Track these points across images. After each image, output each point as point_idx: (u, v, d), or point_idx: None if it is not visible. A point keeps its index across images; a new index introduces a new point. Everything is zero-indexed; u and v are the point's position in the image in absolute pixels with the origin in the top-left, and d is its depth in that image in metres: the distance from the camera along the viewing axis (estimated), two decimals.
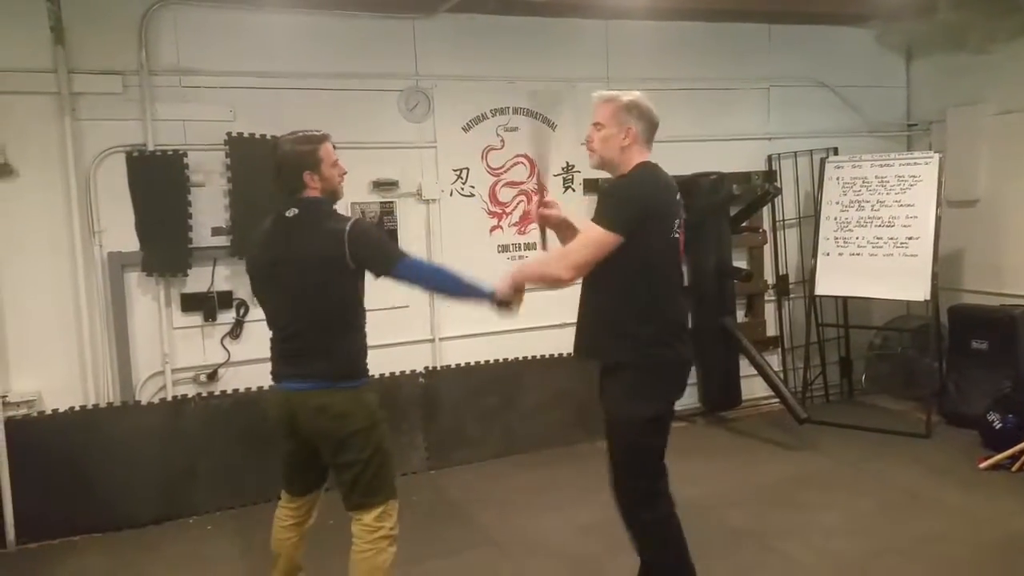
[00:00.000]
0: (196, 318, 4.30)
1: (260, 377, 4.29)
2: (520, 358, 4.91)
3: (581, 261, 2.59)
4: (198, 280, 4.27)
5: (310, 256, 2.59)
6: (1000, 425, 4.48)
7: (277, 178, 2.71)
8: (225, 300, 4.33)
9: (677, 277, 2.80)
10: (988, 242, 5.38)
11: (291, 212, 2.65)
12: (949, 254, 5.42)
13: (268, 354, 4.28)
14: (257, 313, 4.36)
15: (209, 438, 4.16)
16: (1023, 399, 4.56)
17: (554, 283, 2.72)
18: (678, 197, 2.74)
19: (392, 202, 4.63)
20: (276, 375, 2.73)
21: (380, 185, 4.59)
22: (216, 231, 4.27)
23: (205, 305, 4.29)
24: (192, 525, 4.04)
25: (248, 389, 4.29)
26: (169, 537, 3.90)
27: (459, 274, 2.69)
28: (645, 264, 2.62)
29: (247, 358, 4.36)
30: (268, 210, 4.10)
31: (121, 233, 4.08)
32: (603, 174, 2.87)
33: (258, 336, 4.36)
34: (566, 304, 5.21)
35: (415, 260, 2.75)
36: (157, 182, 4.10)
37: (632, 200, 2.61)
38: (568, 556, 3.52)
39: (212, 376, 4.32)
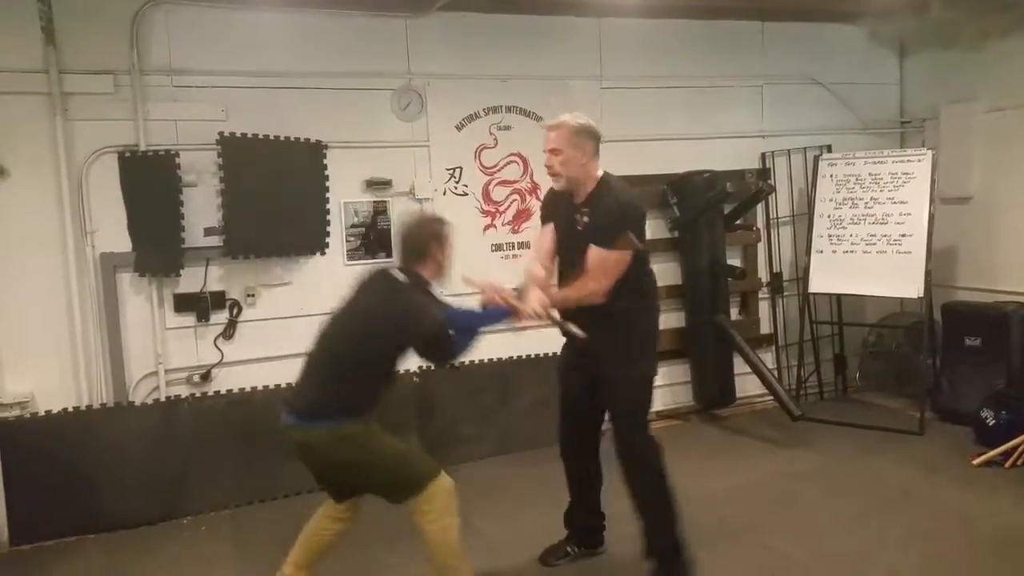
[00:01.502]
0: (189, 318, 4.29)
1: (253, 377, 4.32)
2: (514, 357, 4.91)
3: (615, 278, 2.98)
4: (191, 280, 4.26)
5: (380, 316, 2.77)
6: (993, 421, 4.49)
7: (405, 244, 2.95)
8: (218, 300, 4.32)
9: None
10: (981, 239, 5.39)
11: (400, 276, 2.86)
12: (942, 251, 5.43)
13: (260, 354, 4.34)
14: (250, 313, 4.39)
15: (203, 439, 4.15)
16: (1016, 395, 4.58)
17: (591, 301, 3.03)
18: None
19: (385, 201, 4.62)
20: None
21: (373, 184, 4.58)
22: (209, 231, 4.25)
23: (198, 305, 4.28)
24: (186, 526, 4.03)
25: (241, 389, 4.28)
26: (163, 538, 3.89)
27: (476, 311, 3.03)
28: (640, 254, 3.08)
29: (240, 358, 4.37)
30: (261, 210, 4.19)
31: (113, 233, 4.07)
32: None
33: (251, 336, 4.39)
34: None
35: (456, 341, 2.93)
36: (149, 182, 4.09)
37: (641, 216, 3.10)
38: None
39: (205, 377, 4.31)
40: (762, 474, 4.34)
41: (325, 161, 4.44)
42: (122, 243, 4.09)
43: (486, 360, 4.84)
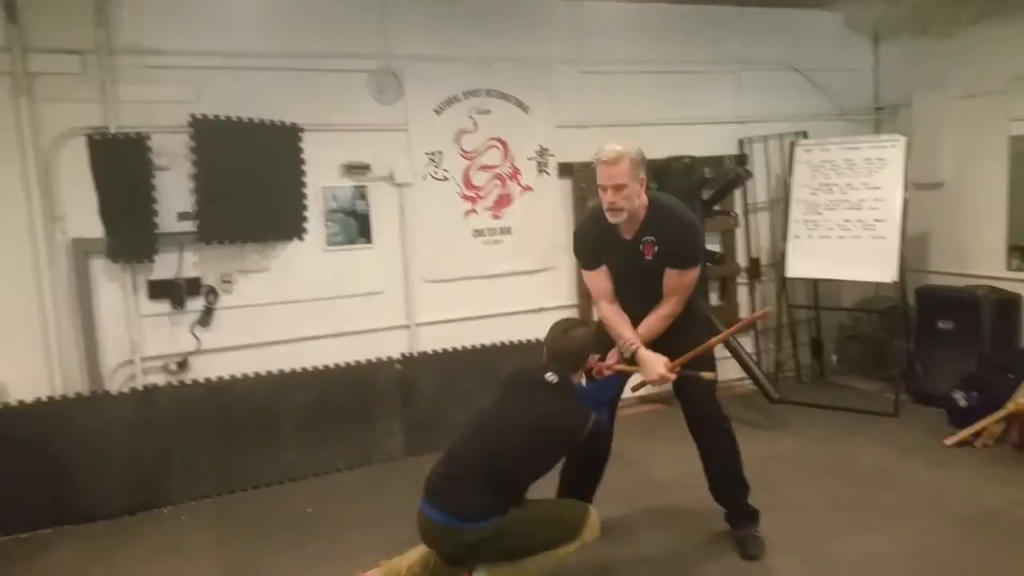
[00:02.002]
0: (164, 305, 4.20)
1: (232, 365, 4.26)
2: (499, 343, 4.89)
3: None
4: (165, 266, 4.17)
5: (545, 427, 2.78)
6: (965, 403, 4.58)
7: (565, 353, 2.93)
8: (193, 287, 4.23)
9: None
10: (953, 224, 5.48)
11: (554, 379, 2.85)
12: (916, 236, 5.51)
13: (238, 342, 4.27)
14: (227, 300, 4.31)
15: (182, 427, 4.08)
16: (987, 377, 4.67)
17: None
18: None
19: (364, 186, 4.55)
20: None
21: (351, 169, 4.51)
22: (182, 216, 4.15)
23: (173, 292, 4.19)
24: (167, 516, 3.97)
25: (220, 378, 4.22)
26: (143, 528, 3.82)
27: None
28: None
29: (218, 346, 4.29)
30: (236, 194, 4.11)
31: (85, 219, 3.96)
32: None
33: (229, 323, 4.31)
34: (545, 290, 5.23)
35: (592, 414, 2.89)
36: (120, 166, 3.97)
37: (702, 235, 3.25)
38: None
39: (183, 365, 4.23)
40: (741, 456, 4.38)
41: (301, 144, 4.35)
42: (94, 229, 3.97)
43: (468, 347, 4.81)
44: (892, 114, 5.90)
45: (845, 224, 5.15)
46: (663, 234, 3.03)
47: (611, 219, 3.02)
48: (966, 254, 5.41)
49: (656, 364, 3.00)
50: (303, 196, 4.38)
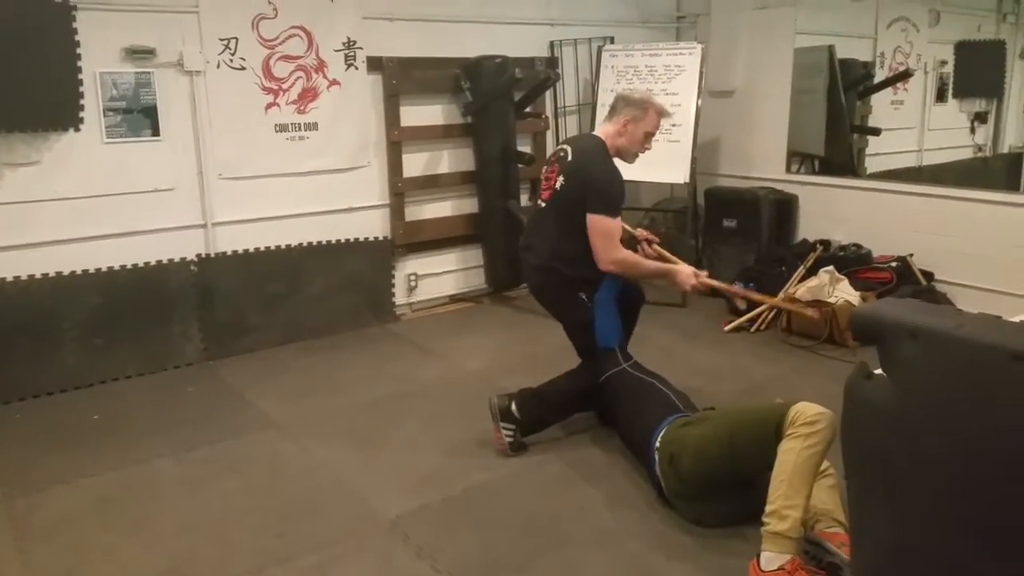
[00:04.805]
0: None
1: (18, 265, 3.89)
2: (305, 244, 4.77)
3: None
4: None
5: None
6: None
7: None
8: None
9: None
10: (741, 130, 5.90)
11: None
12: (708, 141, 5.89)
13: (7, 242, 3.86)
14: (3, 195, 3.85)
15: None
16: (762, 270, 5.18)
17: None
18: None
19: (149, 72, 4.17)
20: None
21: (134, 53, 4.10)
22: None
23: None
24: None
25: (3, 279, 3.86)
26: None
27: None
28: None
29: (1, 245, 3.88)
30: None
31: None
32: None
33: (9, 222, 3.87)
34: (354, 189, 5.11)
35: None
36: None
37: None
38: (350, 431, 3.59)
39: None
40: (544, 347, 4.55)
41: (75, 24, 3.91)
42: None
43: (272, 247, 4.66)
44: (692, 23, 6.18)
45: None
46: None
47: (632, 162, 3.45)
48: (751, 158, 5.88)
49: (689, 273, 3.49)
50: (78, 82, 3.96)
